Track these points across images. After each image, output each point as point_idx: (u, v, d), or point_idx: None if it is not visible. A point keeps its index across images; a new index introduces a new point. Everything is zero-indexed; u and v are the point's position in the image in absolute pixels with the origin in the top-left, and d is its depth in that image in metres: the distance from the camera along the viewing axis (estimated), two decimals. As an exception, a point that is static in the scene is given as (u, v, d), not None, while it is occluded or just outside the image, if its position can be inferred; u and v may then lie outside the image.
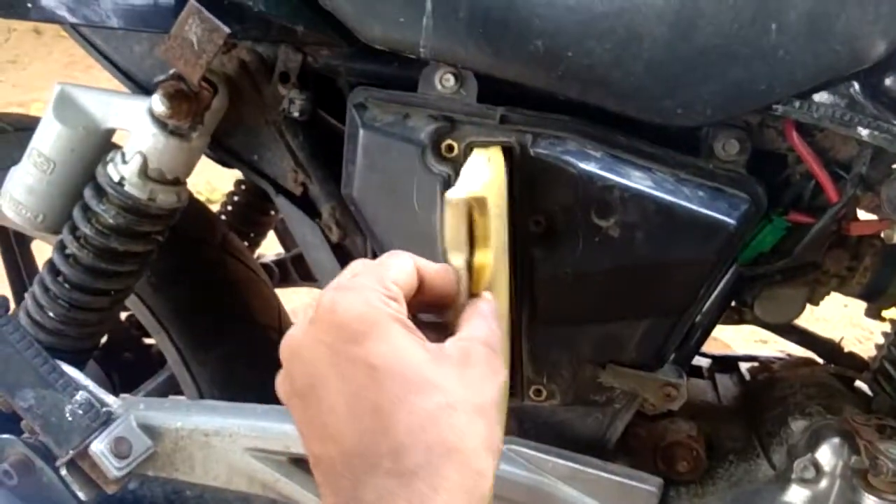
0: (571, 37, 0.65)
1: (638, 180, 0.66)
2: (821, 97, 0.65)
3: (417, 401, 0.40)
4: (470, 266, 0.50)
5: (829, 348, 0.95)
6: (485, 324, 0.46)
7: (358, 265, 0.47)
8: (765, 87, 0.64)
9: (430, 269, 0.47)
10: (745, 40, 0.63)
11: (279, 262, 1.31)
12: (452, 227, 0.49)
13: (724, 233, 0.65)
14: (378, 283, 0.44)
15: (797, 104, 0.66)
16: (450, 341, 0.44)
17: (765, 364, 0.97)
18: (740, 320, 0.88)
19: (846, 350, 0.95)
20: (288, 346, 0.44)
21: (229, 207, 1.23)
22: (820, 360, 0.95)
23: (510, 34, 0.66)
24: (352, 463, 0.40)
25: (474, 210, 0.50)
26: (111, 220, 0.77)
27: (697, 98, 0.65)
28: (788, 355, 1.01)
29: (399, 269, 0.45)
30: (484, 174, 0.58)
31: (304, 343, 0.43)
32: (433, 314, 0.48)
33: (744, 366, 1.00)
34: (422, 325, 0.44)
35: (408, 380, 0.41)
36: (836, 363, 0.93)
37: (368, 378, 0.41)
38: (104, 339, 1.04)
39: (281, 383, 0.45)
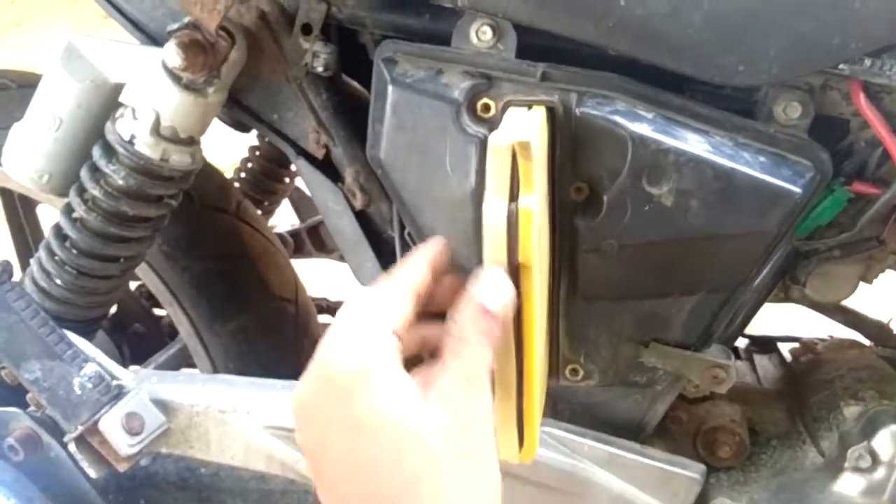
0: (625, -16, 0.59)
1: (695, 144, 0.60)
2: (895, 56, 0.60)
3: (403, 461, 0.41)
4: (512, 214, 0.48)
5: (876, 330, 0.90)
6: (464, 347, 0.45)
7: (353, 305, 0.47)
8: (838, 43, 0.58)
9: (426, 284, 0.48)
10: (817, -11, 0.57)
11: (293, 233, 1.28)
12: (496, 172, 0.48)
13: (789, 203, 0.60)
14: (371, 330, 0.44)
15: (868, 63, 0.60)
16: (433, 388, 0.44)
17: (807, 345, 0.92)
18: (786, 298, 0.83)
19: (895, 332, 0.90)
20: (294, 402, 0.45)
21: (243, 174, 1.19)
22: (866, 342, 0.91)
23: (557, -20, 0.60)
24: None
25: (518, 155, 0.48)
26: (121, 182, 0.72)
27: (762, 54, 0.59)
28: (831, 336, 0.96)
29: (394, 309, 0.46)
30: (526, 121, 0.56)
31: (303, 401, 0.44)
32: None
33: (784, 347, 0.95)
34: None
35: (393, 440, 0.42)
36: (884, 345, 0.88)
37: (357, 439, 0.42)
38: (113, 310, 1.00)
39: (297, 438, 0.48)
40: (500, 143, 0.49)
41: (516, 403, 0.53)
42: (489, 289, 0.48)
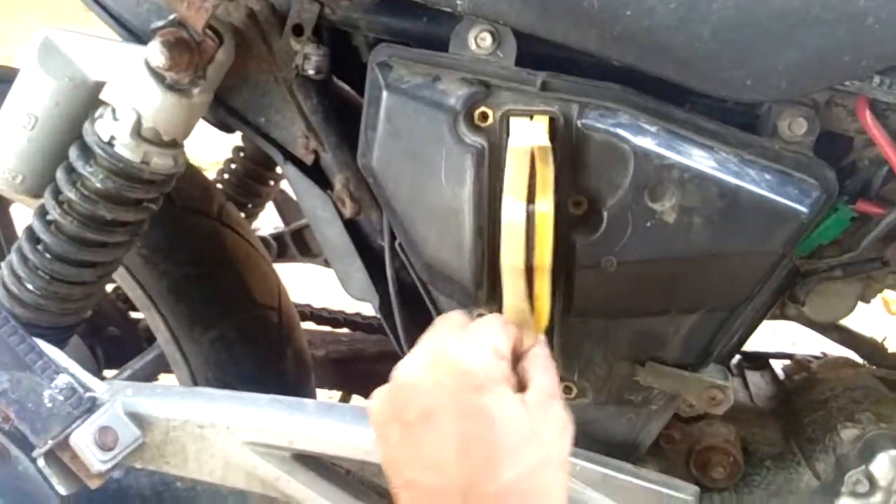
0: (631, -7, 0.57)
1: (700, 160, 0.59)
2: (903, 73, 0.58)
3: (524, 454, 0.47)
4: (530, 215, 0.52)
5: (871, 349, 0.89)
6: (549, 375, 0.53)
7: (460, 320, 0.55)
8: (849, 59, 0.57)
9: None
10: (828, 4, 0.56)
11: (277, 236, 1.24)
12: (515, 174, 0.51)
13: (795, 222, 0.59)
14: (497, 343, 0.52)
15: (877, 80, 0.59)
16: (530, 395, 0.51)
17: (801, 363, 0.91)
18: (782, 315, 0.81)
19: (889, 350, 0.89)
20: (406, 376, 0.50)
21: (226, 176, 1.16)
22: (860, 360, 0.89)
23: (562, -13, 0.58)
24: (452, 494, 0.46)
25: (537, 159, 0.51)
26: (99, 185, 0.68)
27: (771, 69, 0.58)
28: (824, 353, 0.95)
29: (508, 337, 0.53)
30: (537, 128, 0.57)
31: (426, 378, 0.49)
32: None
33: (776, 364, 0.94)
34: None
35: (518, 434, 0.48)
36: (878, 364, 0.87)
37: (487, 425, 0.47)
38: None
39: (382, 406, 0.50)
40: (519, 146, 0.52)
41: None
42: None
